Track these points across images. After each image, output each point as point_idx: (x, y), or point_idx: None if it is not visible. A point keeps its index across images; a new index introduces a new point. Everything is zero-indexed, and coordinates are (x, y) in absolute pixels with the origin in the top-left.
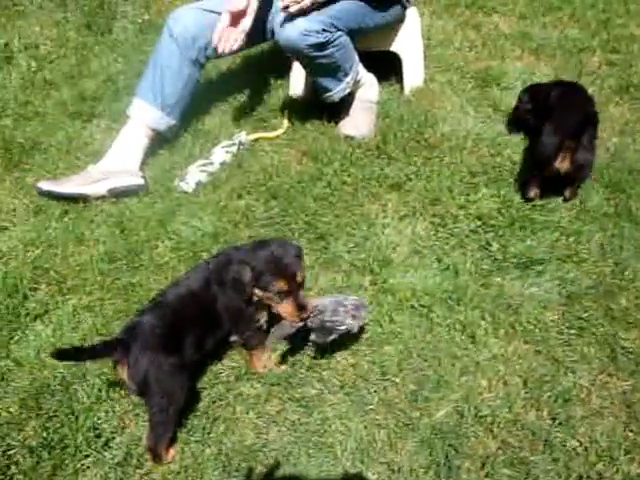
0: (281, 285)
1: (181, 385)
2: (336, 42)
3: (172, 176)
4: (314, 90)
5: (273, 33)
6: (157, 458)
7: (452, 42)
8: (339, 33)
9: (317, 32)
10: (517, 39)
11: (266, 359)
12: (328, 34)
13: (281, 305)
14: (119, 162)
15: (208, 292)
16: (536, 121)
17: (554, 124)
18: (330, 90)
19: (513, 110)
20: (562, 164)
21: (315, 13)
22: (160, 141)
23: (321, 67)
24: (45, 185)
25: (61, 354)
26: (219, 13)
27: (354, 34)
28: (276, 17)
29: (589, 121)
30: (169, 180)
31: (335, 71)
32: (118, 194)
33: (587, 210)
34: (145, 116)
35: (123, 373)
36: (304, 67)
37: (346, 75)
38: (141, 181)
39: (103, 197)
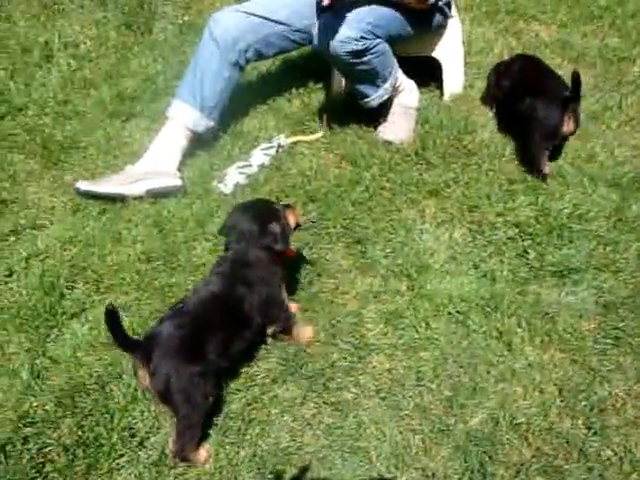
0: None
1: (204, 393)
2: (374, 49)
3: (211, 177)
4: (353, 95)
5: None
6: (185, 462)
7: (492, 49)
8: (378, 40)
9: (355, 40)
10: (557, 47)
11: (305, 330)
12: (367, 41)
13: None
14: (157, 163)
15: (232, 293)
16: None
17: (548, 94)
18: (368, 96)
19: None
20: (568, 127)
21: (354, 19)
22: (199, 143)
23: (359, 74)
24: (83, 185)
25: (111, 315)
26: (260, 16)
27: (394, 41)
28: (315, 24)
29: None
30: (208, 181)
31: (373, 78)
32: (156, 195)
33: (625, 220)
34: (184, 117)
35: (145, 380)
36: (342, 73)
37: (385, 81)
38: (179, 182)
39: (141, 197)
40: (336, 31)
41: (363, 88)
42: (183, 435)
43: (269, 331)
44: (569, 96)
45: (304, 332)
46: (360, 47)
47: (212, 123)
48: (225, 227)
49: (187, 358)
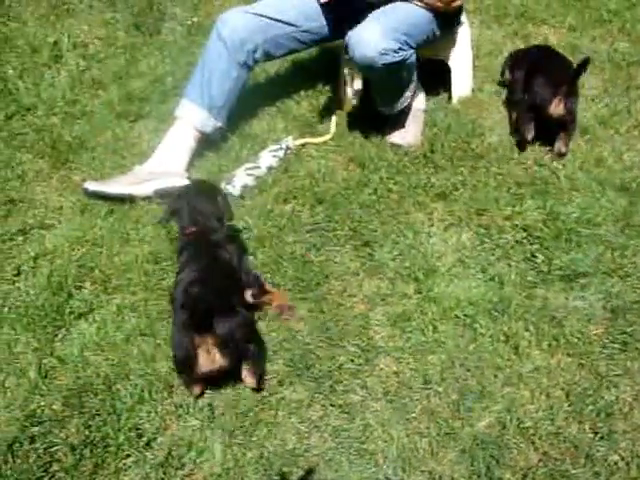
0: None
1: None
2: (409, 61)
3: (219, 179)
4: (367, 99)
5: (339, 34)
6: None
7: (501, 52)
8: (411, 51)
9: (394, 51)
10: (566, 51)
11: (282, 293)
12: (403, 52)
13: None
14: (165, 163)
15: (220, 259)
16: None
17: (547, 72)
18: (391, 104)
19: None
20: (557, 109)
21: (391, 30)
22: (207, 144)
23: (389, 83)
24: (92, 186)
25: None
26: (268, 17)
27: (419, 47)
28: (352, 33)
29: (576, 71)
30: (216, 183)
31: (400, 87)
32: (164, 195)
33: (633, 225)
34: (192, 117)
35: (210, 361)
36: (371, 82)
37: (409, 89)
38: (186, 182)
39: (149, 197)
40: (374, 42)
41: (388, 97)
42: (259, 368)
43: (248, 298)
44: (565, 79)
45: (281, 295)
46: (397, 59)
47: (220, 124)
48: (171, 212)
49: (233, 312)
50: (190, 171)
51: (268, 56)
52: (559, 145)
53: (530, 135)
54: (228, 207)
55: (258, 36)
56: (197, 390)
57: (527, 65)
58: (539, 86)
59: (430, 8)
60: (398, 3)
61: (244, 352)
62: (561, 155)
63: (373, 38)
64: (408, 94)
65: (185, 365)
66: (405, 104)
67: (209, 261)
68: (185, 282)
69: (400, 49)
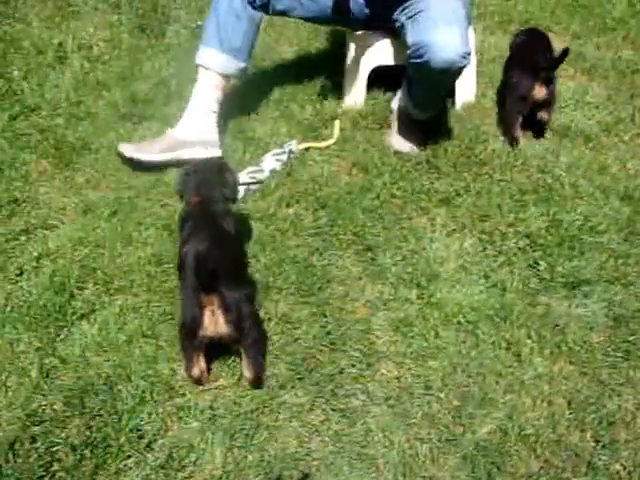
0: None
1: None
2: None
3: None
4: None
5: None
6: (260, 383)
7: (504, 58)
8: None
9: (469, 54)
10: (570, 58)
11: None
12: (470, 56)
13: None
14: (198, 126)
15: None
16: None
17: (522, 64)
18: (431, 109)
19: None
20: (540, 93)
21: (465, 35)
22: (234, 92)
23: (442, 90)
24: (127, 151)
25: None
26: None
27: None
28: (433, 38)
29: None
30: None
31: (445, 93)
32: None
33: (636, 233)
34: (214, 62)
35: (215, 324)
36: (423, 87)
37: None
38: (219, 153)
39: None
40: (457, 47)
41: (434, 102)
42: (259, 358)
43: None
44: (543, 65)
45: None
46: (467, 63)
47: (243, 64)
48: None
49: (241, 283)
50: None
51: (268, 3)
52: (542, 114)
53: (519, 132)
54: (234, 185)
55: None
56: (196, 371)
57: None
58: (519, 77)
59: None
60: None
61: (247, 328)
62: (544, 123)
63: (456, 42)
64: (445, 99)
65: (190, 326)
66: (440, 108)
67: (217, 230)
68: (194, 247)
69: (470, 52)
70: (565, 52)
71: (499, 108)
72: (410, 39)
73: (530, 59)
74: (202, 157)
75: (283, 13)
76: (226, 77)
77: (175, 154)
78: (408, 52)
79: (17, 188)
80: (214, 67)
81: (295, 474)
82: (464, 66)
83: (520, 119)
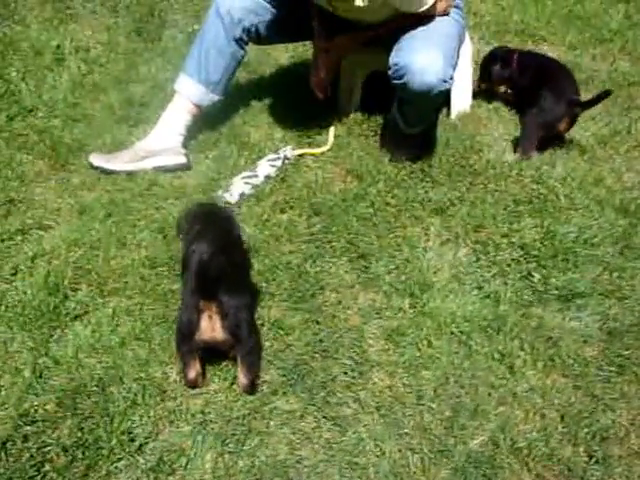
0: None
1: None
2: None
3: (216, 187)
4: (367, 111)
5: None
6: (254, 390)
7: None
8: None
9: (451, 78)
10: None
11: None
12: (452, 80)
13: None
14: (163, 140)
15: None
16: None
17: (557, 91)
18: (420, 126)
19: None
20: (563, 125)
21: (449, 57)
22: (200, 124)
23: (429, 108)
24: (96, 160)
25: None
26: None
27: None
28: (413, 61)
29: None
30: (213, 190)
31: (434, 110)
32: (163, 171)
33: (632, 246)
34: (189, 92)
35: (212, 329)
36: (409, 105)
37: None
38: (183, 159)
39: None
40: (437, 71)
41: (422, 119)
42: (254, 366)
43: None
44: (579, 102)
45: None
46: (449, 86)
47: (217, 97)
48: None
49: (241, 291)
50: (187, 147)
51: (259, 37)
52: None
53: (534, 153)
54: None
55: (253, 17)
56: (192, 373)
57: (533, 73)
58: (552, 104)
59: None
60: (432, 24)
61: (243, 335)
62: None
63: (437, 67)
64: (436, 113)
65: (187, 330)
66: (431, 123)
67: (222, 235)
68: (199, 251)
69: (453, 76)
70: (606, 93)
71: (520, 118)
72: (391, 60)
73: (566, 90)
74: (179, 162)
75: (275, 42)
76: (198, 106)
77: (141, 164)
78: (389, 72)
79: (13, 188)
80: (189, 96)
81: None
82: (445, 90)
83: (538, 142)
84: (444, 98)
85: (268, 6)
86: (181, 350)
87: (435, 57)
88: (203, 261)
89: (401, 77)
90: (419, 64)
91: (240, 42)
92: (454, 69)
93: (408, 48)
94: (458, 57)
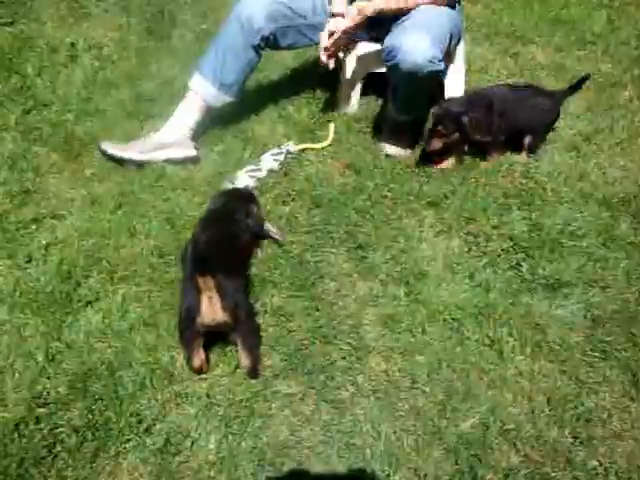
0: None
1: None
2: (441, 69)
3: (222, 179)
4: (367, 108)
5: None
6: (257, 374)
7: (491, 69)
8: (443, 60)
9: (439, 60)
10: (553, 70)
11: None
12: (443, 63)
13: None
14: (174, 134)
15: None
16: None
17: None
18: (411, 112)
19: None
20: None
21: (437, 39)
22: (215, 118)
23: (419, 92)
24: (109, 148)
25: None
26: (284, 5)
27: None
28: (402, 42)
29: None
30: (219, 183)
31: (425, 95)
32: (174, 163)
33: (614, 238)
34: (203, 92)
35: (213, 312)
36: (400, 90)
37: (427, 98)
38: (194, 152)
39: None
40: (424, 51)
41: (413, 105)
42: (255, 348)
43: None
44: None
45: None
46: (439, 67)
47: (229, 99)
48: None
49: (238, 274)
50: (197, 141)
51: (277, 43)
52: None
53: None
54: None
55: (272, 24)
56: (197, 361)
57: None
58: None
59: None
60: (423, 9)
61: (242, 315)
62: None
63: (424, 47)
64: (426, 102)
65: (188, 315)
66: (421, 112)
67: (224, 226)
68: (197, 234)
69: (441, 59)
70: (584, 79)
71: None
72: (385, 43)
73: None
74: (190, 154)
75: (290, 47)
76: (210, 106)
77: (153, 154)
78: (383, 55)
79: (28, 179)
80: (203, 96)
81: (286, 461)
82: (435, 70)
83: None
84: (431, 85)
85: (288, 13)
86: (184, 338)
87: (423, 38)
88: (200, 240)
89: (392, 58)
90: (408, 44)
91: (257, 49)
92: (442, 53)
93: (399, 32)
94: (453, 52)
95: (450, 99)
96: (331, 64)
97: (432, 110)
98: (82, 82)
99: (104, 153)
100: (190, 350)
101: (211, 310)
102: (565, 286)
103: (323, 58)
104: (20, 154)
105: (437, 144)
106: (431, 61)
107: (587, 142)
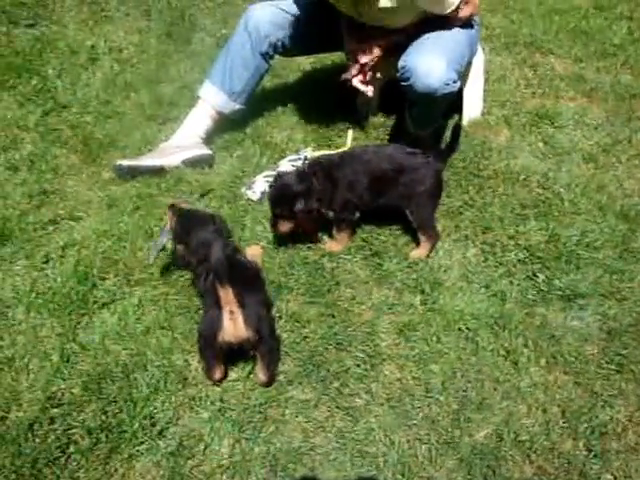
0: None
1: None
2: (457, 90)
3: (240, 184)
4: (384, 116)
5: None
6: (271, 384)
7: (509, 79)
8: (460, 80)
9: (454, 82)
10: (572, 81)
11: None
12: (459, 82)
13: None
14: (188, 138)
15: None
16: None
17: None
18: (428, 127)
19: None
20: None
21: (453, 61)
22: (225, 124)
23: (434, 110)
24: (125, 162)
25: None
26: (292, 14)
27: None
28: (417, 64)
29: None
30: (237, 187)
31: (440, 113)
32: (191, 164)
33: (631, 250)
34: (213, 99)
35: (235, 329)
36: (416, 108)
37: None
38: (209, 152)
39: (177, 167)
40: (440, 74)
41: (429, 121)
42: (273, 364)
43: None
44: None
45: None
46: (455, 89)
47: (239, 106)
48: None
49: (259, 292)
50: (210, 143)
51: (285, 50)
52: None
53: None
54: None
55: (280, 32)
56: (218, 374)
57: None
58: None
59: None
60: (441, 32)
61: (265, 332)
62: None
63: (439, 70)
64: (443, 115)
65: (210, 330)
66: (439, 124)
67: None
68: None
69: (457, 79)
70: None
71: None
72: (400, 63)
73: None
74: (206, 153)
75: (299, 54)
76: (220, 113)
77: (168, 159)
78: (398, 74)
79: (47, 180)
80: (212, 103)
81: (299, 468)
82: (450, 92)
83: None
84: (449, 101)
85: (295, 21)
86: (206, 355)
87: (439, 61)
88: (221, 256)
89: (407, 79)
90: (423, 67)
91: (265, 56)
92: (459, 74)
93: (415, 52)
94: (469, 64)
95: (285, 174)
96: (370, 92)
97: (268, 190)
98: (102, 85)
99: (120, 169)
100: (211, 365)
101: (234, 327)
102: (581, 297)
103: (367, 91)
104: (39, 155)
105: (284, 227)
106: (447, 83)
107: (605, 154)
